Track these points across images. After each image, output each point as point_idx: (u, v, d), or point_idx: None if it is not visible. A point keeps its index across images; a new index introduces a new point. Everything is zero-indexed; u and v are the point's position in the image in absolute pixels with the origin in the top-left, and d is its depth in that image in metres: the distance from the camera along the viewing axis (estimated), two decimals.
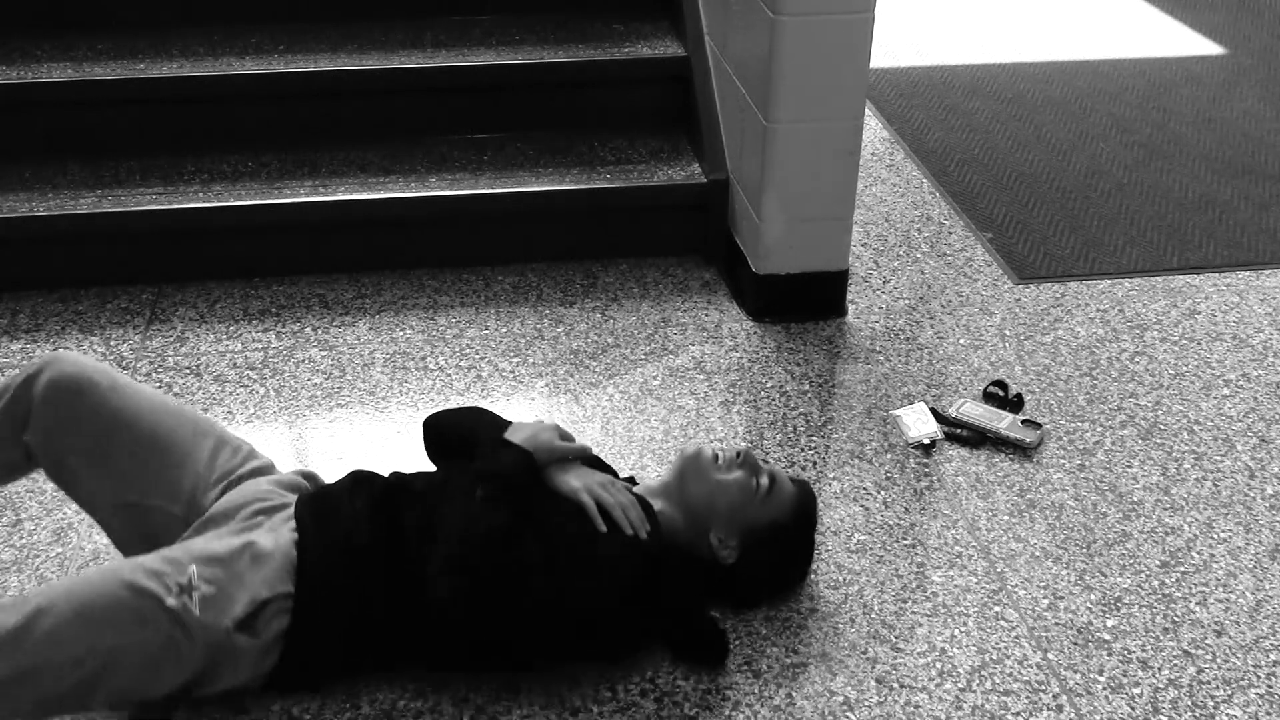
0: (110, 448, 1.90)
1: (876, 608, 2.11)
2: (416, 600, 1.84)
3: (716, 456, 2.02)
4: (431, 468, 2.10)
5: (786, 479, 2.06)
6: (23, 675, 1.63)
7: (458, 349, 2.79)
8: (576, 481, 1.96)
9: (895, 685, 1.96)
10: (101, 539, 2.21)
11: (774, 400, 2.64)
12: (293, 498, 1.95)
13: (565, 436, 2.02)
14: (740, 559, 2.01)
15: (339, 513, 1.91)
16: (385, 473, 2.05)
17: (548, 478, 1.98)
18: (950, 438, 2.52)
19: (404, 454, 2.46)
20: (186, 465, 1.92)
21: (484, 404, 2.60)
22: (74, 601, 1.67)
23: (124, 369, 2.69)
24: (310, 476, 2.06)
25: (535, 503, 1.93)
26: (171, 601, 1.69)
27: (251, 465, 1.99)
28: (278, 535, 1.85)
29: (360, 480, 2.00)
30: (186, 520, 1.90)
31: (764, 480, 2.00)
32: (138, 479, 1.91)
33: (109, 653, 1.67)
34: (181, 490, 1.91)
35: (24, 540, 2.21)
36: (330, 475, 2.08)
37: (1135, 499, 2.38)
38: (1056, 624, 2.09)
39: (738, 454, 2.01)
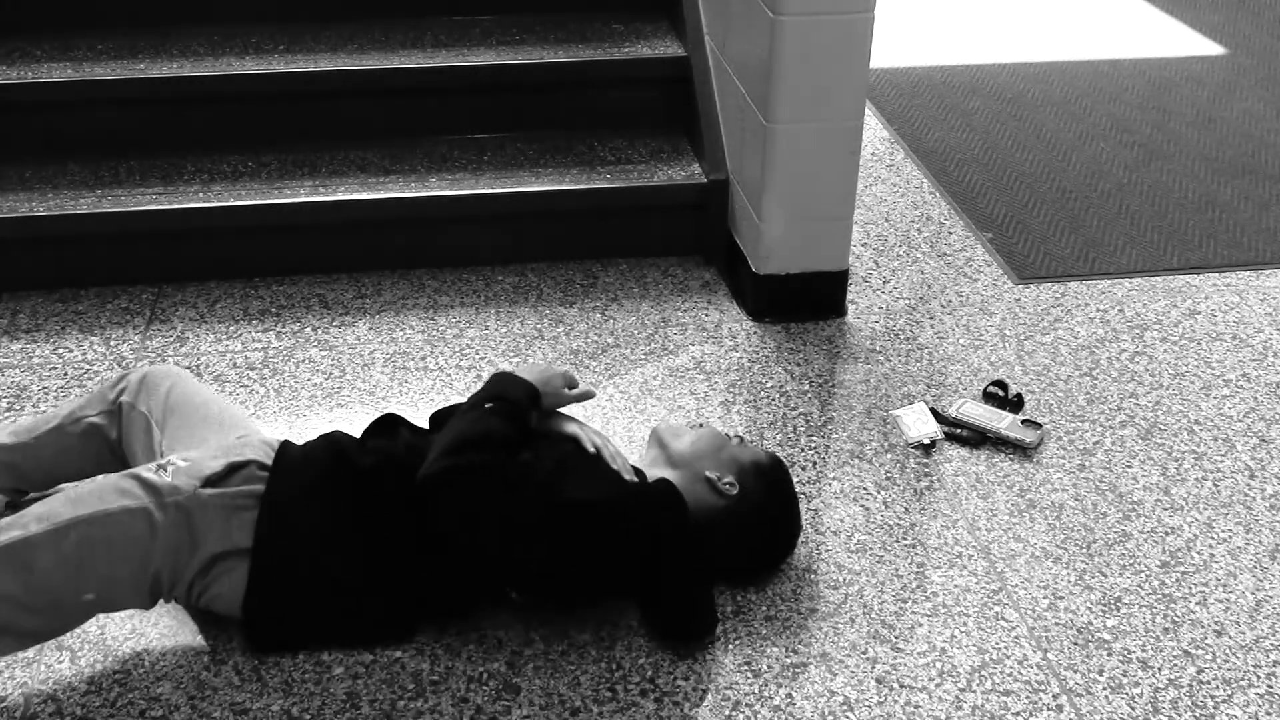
0: (169, 414, 2.10)
1: (876, 608, 2.11)
2: (405, 523, 1.94)
3: (690, 420, 2.14)
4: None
5: (766, 465, 2.13)
6: (14, 553, 1.77)
7: (458, 349, 2.79)
8: (573, 426, 2.11)
9: (895, 685, 1.96)
10: None
11: (774, 400, 2.64)
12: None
13: (571, 384, 2.14)
14: (740, 495, 2.05)
15: (323, 439, 2.05)
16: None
17: (547, 419, 2.11)
18: (950, 438, 2.52)
19: None
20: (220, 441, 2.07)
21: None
22: (71, 494, 1.85)
23: (124, 369, 2.69)
24: None
25: (534, 435, 2.04)
26: (148, 474, 1.87)
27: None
28: (259, 443, 2.02)
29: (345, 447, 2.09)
30: None
31: (734, 437, 2.13)
32: (180, 442, 2.06)
33: (90, 521, 1.80)
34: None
35: None
36: None
37: (1135, 499, 2.38)
38: (1056, 624, 2.09)
39: (708, 419, 2.15)
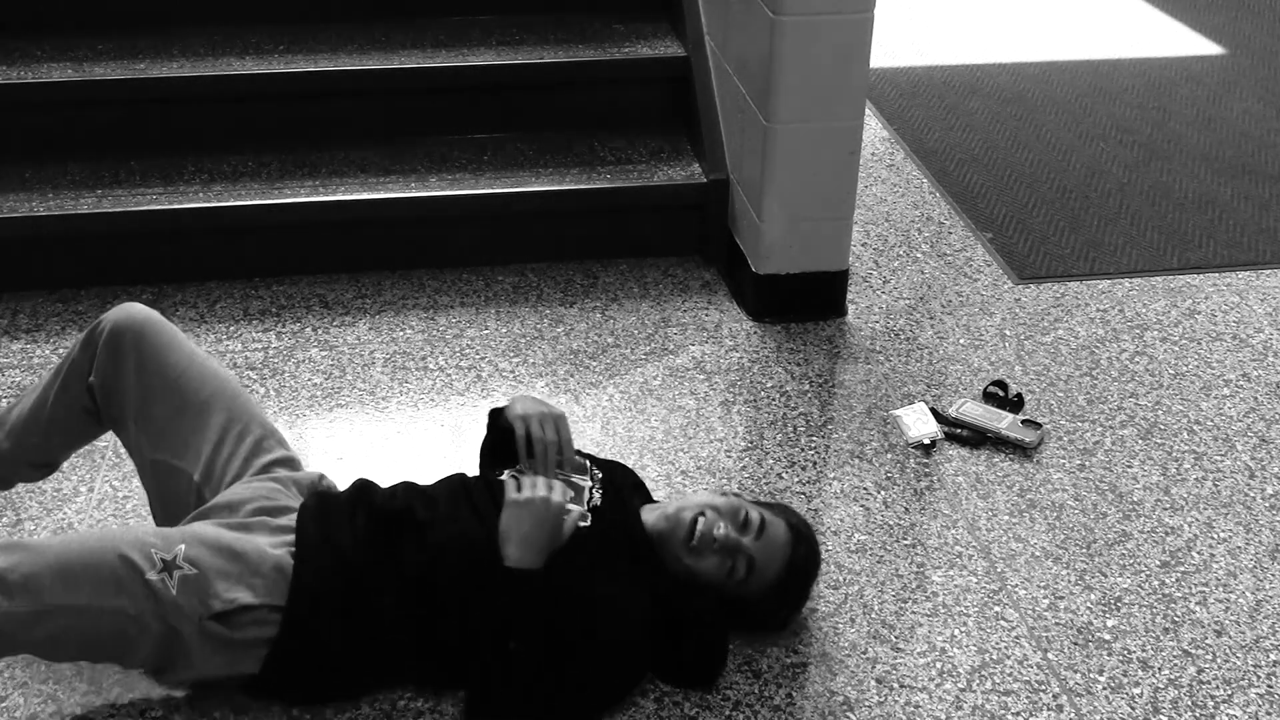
0: (154, 401, 1.95)
1: (876, 608, 2.11)
2: (412, 633, 1.85)
3: (693, 534, 1.91)
4: (435, 479, 2.06)
5: (777, 542, 1.95)
6: None
7: (458, 349, 2.79)
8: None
9: (895, 685, 1.96)
10: None
11: (774, 400, 2.64)
12: (298, 502, 1.93)
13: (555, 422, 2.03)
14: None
15: (338, 530, 1.87)
16: (392, 480, 2.03)
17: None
18: (950, 438, 2.52)
19: (403, 455, 2.46)
20: (218, 442, 1.95)
21: (484, 403, 2.60)
22: (62, 556, 1.70)
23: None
24: (320, 477, 2.04)
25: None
26: (152, 575, 1.70)
27: (275, 456, 1.98)
28: (275, 541, 1.83)
29: (362, 492, 1.97)
30: (200, 495, 1.92)
31: (740, 567, 1.91)
32: (172, 439, 1.95)
33: (78, 612, 1.68)
34: (206, 464, 1.94)
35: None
36: (338, 478, 2.08)
37: (1135, 499, 2.38)
38: (1056, 624, 2.09)
39: (714, 539, 1.90)
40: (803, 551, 1.99)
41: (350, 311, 2.92)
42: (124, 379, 1.96)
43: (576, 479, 2.01)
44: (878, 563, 2.20)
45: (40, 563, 1.69)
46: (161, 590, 1.70)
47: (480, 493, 1.96)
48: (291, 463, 2.01)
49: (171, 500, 1.96)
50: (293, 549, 1.83)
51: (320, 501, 1.93)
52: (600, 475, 2.05)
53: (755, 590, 1.94)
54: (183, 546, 1.74)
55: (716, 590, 1.94)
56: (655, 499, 2.17)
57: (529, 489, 1.88)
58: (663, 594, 1.91)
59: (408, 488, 2.00)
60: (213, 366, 2.03)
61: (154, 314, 2.02)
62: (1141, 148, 3.87)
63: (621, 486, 2.07)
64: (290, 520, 1.88)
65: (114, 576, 1.70)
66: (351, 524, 1.89)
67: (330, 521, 1.88)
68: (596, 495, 1.99)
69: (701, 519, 1.91)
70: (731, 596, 1.95)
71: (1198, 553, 2.25)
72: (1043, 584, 2.17)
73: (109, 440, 2.45)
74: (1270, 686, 1.99)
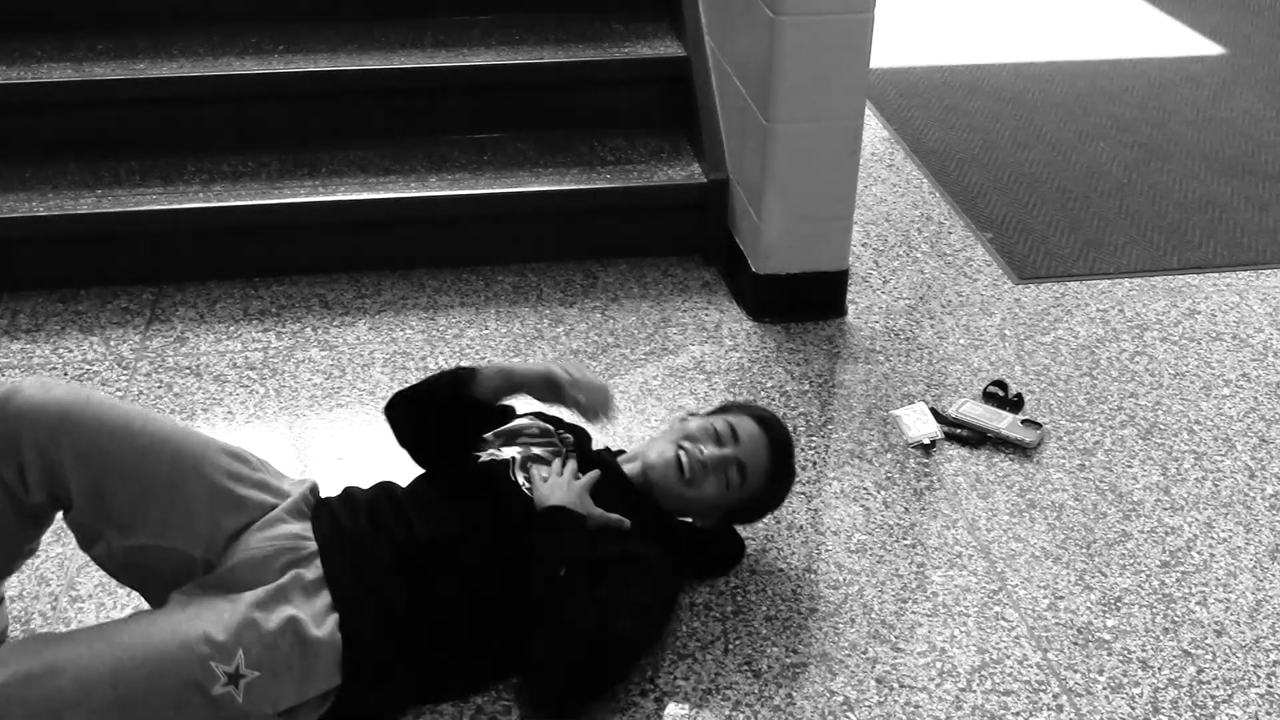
0: (111, 492, 1.76)
1: (876, 608, 2.11)
2: (464, 658, 1.88)
3: (683, 468, 2.02)
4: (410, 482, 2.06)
5: (752, 435, 2.06)
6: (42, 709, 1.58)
7: (458, 349, 2.79)
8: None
9: (895, 685, 1.96)
10: None
11: (774, 400, 2.64)
12: (309, 527, 1.87)
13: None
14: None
15: (371, 575, 1.82)
16: (399, 483, 2.03)
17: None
18: (950, 438, 2.52)
19: (402, 455, 2.45)
20: (209, 508, 1.80)
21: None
22: (115, 666, 1.63)
23: (124, 369, 2.69)
24: (313, 490, 1.97)
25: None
26: (218, 690, 1.66)
27: (263, 497, 1.86)
28: (317, 610, 1.77)
29: (381, 526, 1.89)
30: (208, 560, 1.80)
31: (734, 475, 2.04)
32: (146, 522, 1.78)
33: None
34: (206, 536, 1.80)
35: None
36: (338, 479, 2.08)
37: (1135, 499, 2.38)
38: (1056, 624, 2.09)
39: (703, 464, 2.02)
40: (776, 431, 2.11)
41: (350, 311, 2.92)
42: (59, 473, 1.74)
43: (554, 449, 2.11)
44: (878, 563, 2.20)
45: (93, 671, 1.61)
46: (229, 702, 1.67)
47: (481, 491, 1.98)
48: (279, 490, 1.90)
49: (170, 579, 1.80)
50: (337, 617, 1.77)
51: (338, 536, 1.86)
52: (570, 439, 2.14)
53: (754, 485, 2.07)
54: (241, 654, 1.67)
55: (721, 507, 2.08)
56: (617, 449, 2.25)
57: (553, 476, 1.98)
58: (669, 534, 2.05)
59: (421, 510, 1.93)
60: (156, 423, 1.82)
61: (70, 391, 1.79)
62: (1141, 148, 3.87)
63: (586, 446, 2.16)
64: (318, 569, 1.81)
65: (177, 699, 1.64)
66: (383, 568, 1.84)
67: (362, 572, 1.83)
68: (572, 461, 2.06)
69: (683, 453, 2.03)
70: (737, 504, 2.08)
71: (1198, 553, 2.26)
72: (1043, 584, 2.17)
73: None
74: (1270, 686, 1.99)
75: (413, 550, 1.87)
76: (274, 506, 1.86)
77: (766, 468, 2.07)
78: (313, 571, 1.80)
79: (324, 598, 1.79)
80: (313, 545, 1.84)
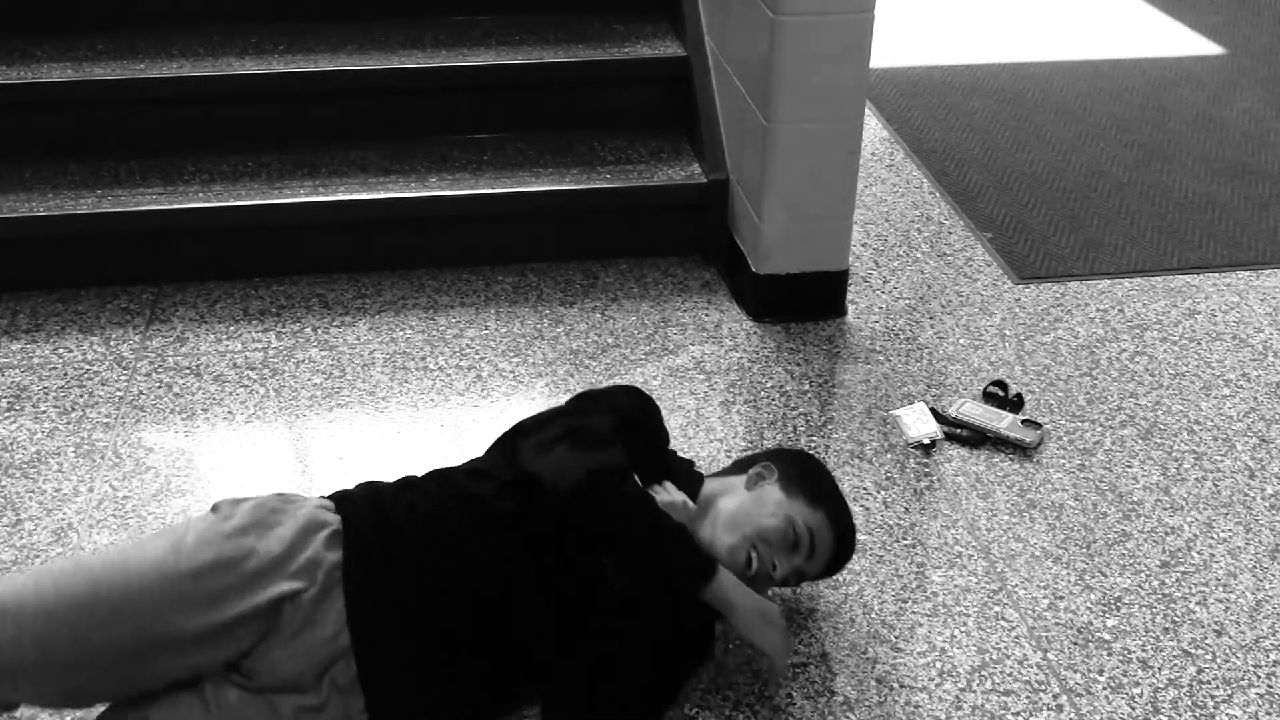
0: (73, 685, 1.61)
1: (876, 608, 2.11)
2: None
3: (749, 566, 1.89)
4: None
5: (826, 546, 1.94)
6: None
7: (458, 349, 2.79)
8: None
9: (895, 685, 1.96)
10: (102, 539, 2.21)
11: (774, 400, 2.64)
12: (346, 639, 1.68)
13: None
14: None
15: (404, 657, 1.70)
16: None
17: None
18: (950, 438, 2.52)
19: (402, 455, 2.46)
20: (182, 659, 1.63)
21: (484, 403, 2.60)
22: None
23: (124, 369, 2.69)
24: (328, 541, 1.75)
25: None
26: None
27: (263, 596, 1.64)
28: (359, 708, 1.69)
29: (396, 581, 1.73)
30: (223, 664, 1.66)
31: (794, 580, 1.96)
32: (129, 686, 1.63)
33: None
34: (194, 670, 1.64)
35: (24, 540, 2.21)
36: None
37: (1135, 499, 2.38)
38: (1056, 624, 2.09)
39: (771, 578, 1.92)
40: (848, 540, 2.00)
41: (350, 311, 2.92)
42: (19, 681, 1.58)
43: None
44: (878, 563, 2.20)
45: None
46: None
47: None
48: (264, 572, 1.67)
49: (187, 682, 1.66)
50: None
51: (391, 642, 1.72)
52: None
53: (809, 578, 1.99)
54: None
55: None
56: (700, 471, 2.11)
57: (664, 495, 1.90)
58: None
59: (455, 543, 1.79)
60: (107, 589, 1.58)
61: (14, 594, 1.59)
62: (1141, 148, 3.87)
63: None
64: (352, 669, 1.69)
65: None
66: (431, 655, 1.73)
67: (400, 679, 1.72)
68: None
69: (754, 558, 1.88)
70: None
71: (1198, 553, 2.25)
72: (1043, 584, 2.17)
73: (108, 440, 2.46)
74: (1270, 686, 1.99)
75: (456, 626, 1.75)
76: (282, 598, 1.65)
77: (823, 572, 1.99)
78: (346, 673, 1.68)
79: (359, 699, 1.69)
80: (345, 641, 1.68)
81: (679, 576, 1.80)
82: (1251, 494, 2.41)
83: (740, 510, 1.93)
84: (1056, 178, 3.67)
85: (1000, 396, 2.62)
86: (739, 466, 2.06)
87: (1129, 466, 2.47)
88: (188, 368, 2.70)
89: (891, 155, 3.80)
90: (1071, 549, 2.25)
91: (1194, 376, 2.76)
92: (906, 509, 2.34)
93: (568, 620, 1.80)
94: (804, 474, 1.99)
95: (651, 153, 3.21)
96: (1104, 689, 1.97)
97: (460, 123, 3.26)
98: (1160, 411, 2.64)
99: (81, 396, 2.60)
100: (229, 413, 2.56)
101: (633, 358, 2.77)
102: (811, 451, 2.48)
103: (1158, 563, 2.23)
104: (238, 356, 2.75)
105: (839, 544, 1.96)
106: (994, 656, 2.02)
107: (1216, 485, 2.43)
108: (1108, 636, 2.07)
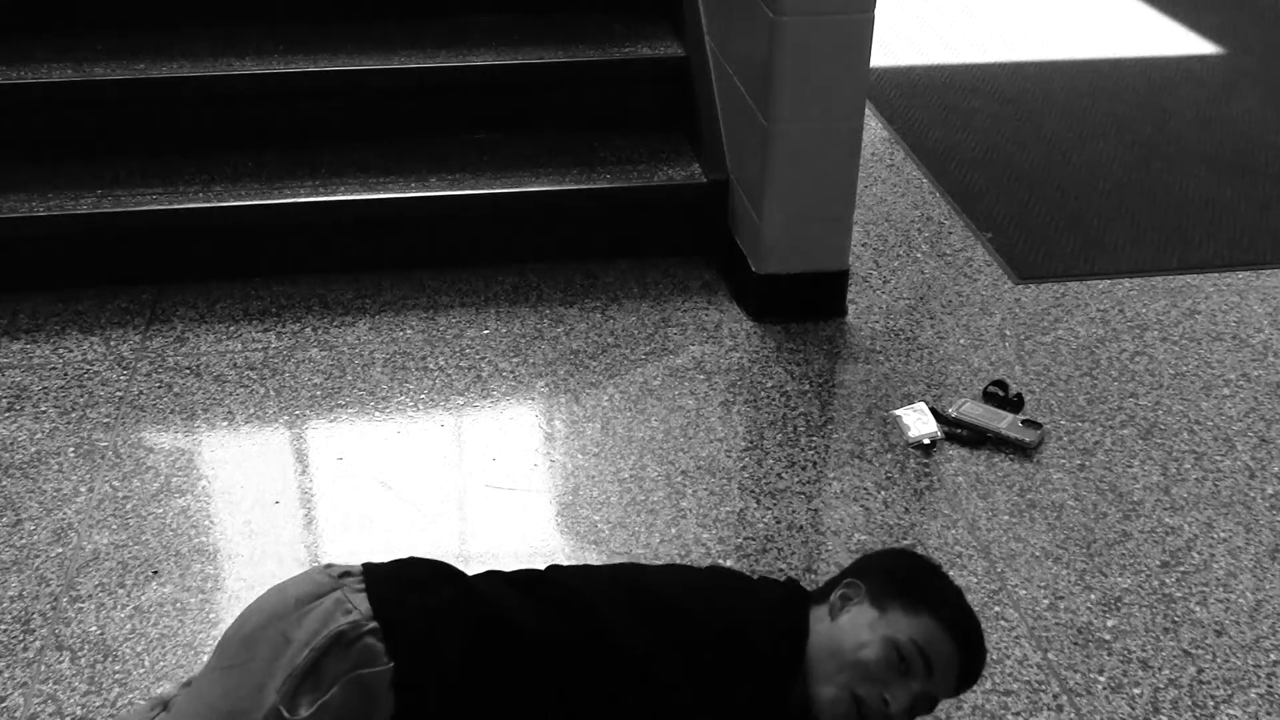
0: None
1: None
2: None
3: (859, 714, 1.61)
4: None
5: (948, 661, 1.64)
6: None
7: (458, 349, 2.79)
8: None
9: None
10: (102, 539, 2.21)
11: (774, 400, 2.64)
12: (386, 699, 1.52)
13: None
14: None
15: None
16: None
17: None
18: (950, 438, 2.52)
19: (402, 454, 2.46)
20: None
21: (484, 404, 2.60)
22: None
23: (124, 369, 2.69)
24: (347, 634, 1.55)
25: None
26: None
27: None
28: None
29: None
30: None
31: (921, 708, 1.65)
32: None
33: None
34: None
35: (24, 540, 2.22)
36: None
37: (1135, 499, 2.38)
38: (1056, 624, 2.09)
39: (887, 717, 1.60)
40: (974, 641, 1.68)
41: (350, 311, 2.92)
42: None
43: None
44: None
45: None
46: None
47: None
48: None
49: None
50: None
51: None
52: None
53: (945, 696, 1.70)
54: None
55: None
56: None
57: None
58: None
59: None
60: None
61: None
62: (1141, 148, 3.87)
63: None
64: None
65: None
66: None
67: None
68: None
69: (859, 700, 1.60)
70: None
71: (1198, 553, 2.26)
72: (1043, 584, 2.17)
73: (109, 440, 2.46)
74: (1270, 686, 1.99)
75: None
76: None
77: (959, 686, 1.68)
78: None
79: None
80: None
81: None
82: (1251, 494, 2.41)
83: (827, 650, 1.63)
84: (1057, 178, 3.67)
85: (1000, 396, 2.62)
86: (829, 588, 1.75)
87: (1129, 466, 2.47)
88: (188, 368, 2.70)
89: (891, 155, 3.80)
90: (1071, 549, 2.25)
91: (1194, 376, 2.76)
92: (906, 509, 2.34)
93: None
94: (892, 578, 1.68)
95: (651, 153, 3.21)
96: (1104, 689, 1.97)
97: (460, 123, 3.26)
98: (1160, 411, 2.64)
99: (82, 396, 2.60)
100: (229, 413, 2.56)
101: (633, 358, 2.77)
102: (811, 451, 2.48)
103: (1158, 563, 2.23)
104: (238, 356, 2.75)
105: (963, 649, 1.64)
106: (994, 656, 2.02)
107: (1217, 485, 2.43)
108: (1108, 636, 2.07)
